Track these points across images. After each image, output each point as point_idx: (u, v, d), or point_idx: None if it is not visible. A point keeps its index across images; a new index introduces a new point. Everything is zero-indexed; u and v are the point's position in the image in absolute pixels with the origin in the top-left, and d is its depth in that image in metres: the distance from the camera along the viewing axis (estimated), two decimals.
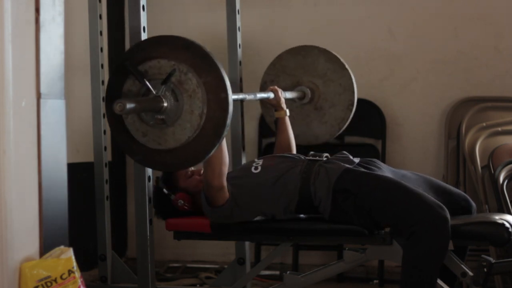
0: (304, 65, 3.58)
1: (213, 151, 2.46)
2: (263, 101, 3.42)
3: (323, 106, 3.57)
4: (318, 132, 3.57)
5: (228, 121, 2.42)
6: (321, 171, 2.85)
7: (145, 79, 2.44)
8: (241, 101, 3.47)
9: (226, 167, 2.78)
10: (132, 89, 2.48)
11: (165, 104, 2.42)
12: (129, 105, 2.32)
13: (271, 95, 3.23)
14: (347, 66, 3.56)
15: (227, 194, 2.82)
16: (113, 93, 2.50)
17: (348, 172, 2.82)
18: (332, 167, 2.85)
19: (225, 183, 2.81)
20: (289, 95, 3.43)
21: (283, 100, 3.27)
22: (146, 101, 2.43)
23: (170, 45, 2.47)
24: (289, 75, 3.57)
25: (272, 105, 3.30)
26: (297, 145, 3.32)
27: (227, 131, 2.44)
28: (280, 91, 3.26)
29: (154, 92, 2.43)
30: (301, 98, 3.55)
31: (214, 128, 2.42)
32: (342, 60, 3.58)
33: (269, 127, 3.68)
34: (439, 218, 2.63)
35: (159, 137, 2.47)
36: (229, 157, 2.82)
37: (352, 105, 3.54)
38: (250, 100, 3.16)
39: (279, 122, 3.28)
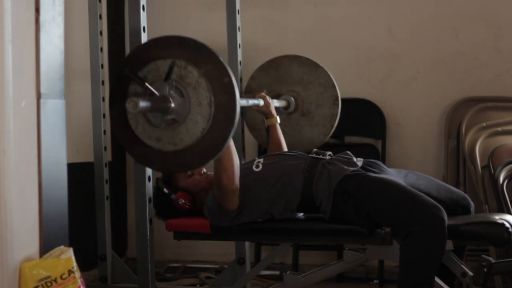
0: (279, 77, 3.60)
1: (230, 137, 2.43)
2: (250, 125, 3.47)
3: (309, 109, 3.57)
4: (312, 136, 3.57)
5: (237, 104, 2.40)
6: (324, 173, 2.84)
7: (146, 83, 2.43)
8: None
9: (238, 169, 2.78)
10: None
11: (172, 105, 2.42)
12: (143, 103, 2.32)
13: (260, 101, 3.24)
14: (320, 65, 3.57)
15: (237, 199, 2.83)
16: (118, 101, 2.49)
17: (350, 177, 2.82)
18: (334, 169, 2.84)
19: (239, 185, 2.80)
20: (276, 103, 3.45)
21: (272, 106, 3.28)
22: (156, 100, 2.42)
23: (163, 45, 2.47)
24: (268, 91, 3.56)
25: (262, 113, 3.30)
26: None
27: (238, 114, 2.42)
28: (268, 97, 3.28)
29: (158, 94, 2.42)
30: (287, 107, 3.56)
31: (225, 114, 2.40)
32: (313, 60, 3.58)
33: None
34: (435, 219, 2.63)
35: (174, 137, 2.45)
36: None
37: (337, 99, 3.55)
38: (242, 106, 3.16)
39: (271, 129, 3.29)
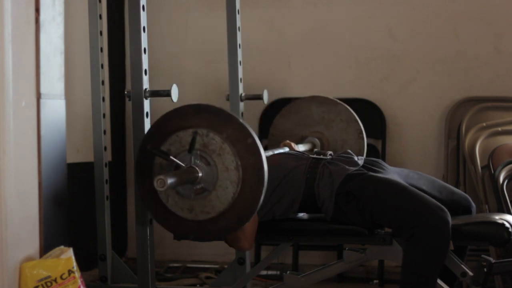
0: (299, 120, 3.60)
1: (262, 198, 2.41)
2: None
3: (335, 147, 3.56)
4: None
5: (264, 163, 2.39)
6: (325, 173, 2.84)
7: (171, 156, 2.42)
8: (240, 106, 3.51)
9: (256, 226, 2.77)
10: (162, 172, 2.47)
11: (200, 174, 2.41)
12: (170, 180, 2.29)
13: (286, 149, 3.23)
14: (339, 101, 3.58)
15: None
16: (146, 177, 2.48)
17: (352, 177, 2.82)
18: (336, 169, 2.84)
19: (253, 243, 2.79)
20: (302, 147, 3.44)
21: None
22: (182, 173, 2.40)
23: (180, 117, 2.46)
24: (291, 136, 3.57)
25: None
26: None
27: (267, 173, 2.41)
28: (293, 144, 3.29)
29: (184, 165, 2.41)
30: (312, 149, 3.54)
31: (254, 175, 2.39)
32: (331, 97, 3.59)
33: (269, 127, 3.68)
34: (439, 220, 2.63)
35: (205, 206, 2.44)
36: None
37: (361, 132, 3.55)
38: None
39: None
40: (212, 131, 2.41)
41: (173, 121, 2.47)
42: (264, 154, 2.40)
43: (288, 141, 3.32)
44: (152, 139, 2.49)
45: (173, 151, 2.44)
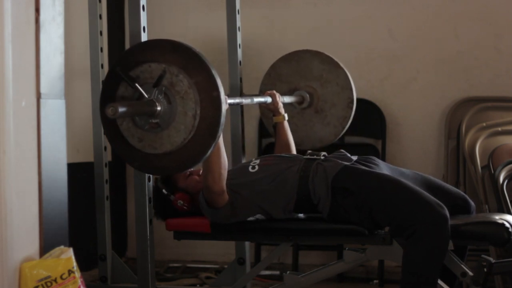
0: (299, 70, 3.59)
1: (209, 152, 2.46)
2: (262, 108, 3.44)
3: (323, 108, 3.57)
4: (322, 135, 3.57)
5: (222, 119, 2.42)
6: (319, 169, 2.85)
7: (137, 84, 2.44)
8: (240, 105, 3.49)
9: (225, 171, 2.79)
10: (125, 95, 2.48)
11: (159, 108, 2.42)
12: (121, 109, 2.32)
13: (268, 99, 3.23)
14: (341, 65, 3.56)
15: (226, 197, 2.82)
16: (107, 99, 2.50)
17: (346, 169, 2.83)
18: (330, 164, 2.86)
19: (225, 187, 2.81)
20: (287, 99, 3.43)
21: (281, 105, 3.28)
22: (138, 104, 2.42)
23: (159, 49, 2.47)
24: (285, 82, 3.57)
25: (270, 110, 3.30)
26: (302, 150, 3.32)
27: (221, 130, 2.44)
28: (277, 95, 3.27)
29: (146, 97, 2.43)
30: (300, 102, 3.55)
31: (208, 128, 2.42)
32: (335, 59, 3.57)
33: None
34: (439, 217, 2.63)
35: (155, 141, 2.47)
36: (228, 160, 2.82)
37: (352, 102, 3.55)
38: (247, 104, 3.15)
39: (278, 126, 3.29)
40: (183, 72, 2.42)
41: (149, 51, 2.48)
42: (224, 111, 2.42)
43: (274, 91, 3.31)
44: (123, 63, 2.50)
45: (141, 79, 2.46)
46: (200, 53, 2.44)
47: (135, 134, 2.49)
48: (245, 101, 3.09)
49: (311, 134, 3.58)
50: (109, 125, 2.53)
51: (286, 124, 3.30)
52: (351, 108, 3.55)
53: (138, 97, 2.44)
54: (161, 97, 2.43)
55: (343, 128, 3.56)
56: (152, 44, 2.50)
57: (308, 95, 3.55)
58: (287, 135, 3.29)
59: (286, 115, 3.30)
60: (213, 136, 2.42)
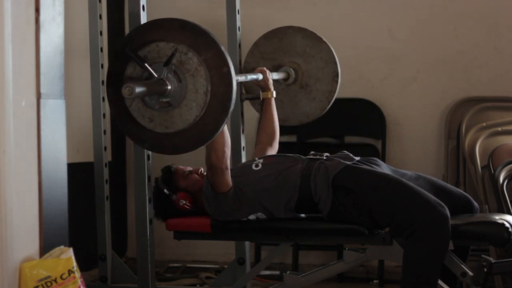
0: (282, 47, 3.58)
1: (221, 128, 2.47)
2: (246, 86, 3.47)
3: (308, 83, 3.57)
4: (308, 110, 3.57)
5: (234, 94, 2.43)
6: (321, 168, 2.86)
7: (146, 64, 2.44)
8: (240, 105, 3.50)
9: (229, 149, 2.81)
10: (134, 75, 2.49)
11: (169, 87, 2.44)
12: (138, 89, 2.33)
13: (259, 76, 3.26)
14: (324, 39, 3.56)
15: (230, 181, 2.84)
16: (115, 80, 2.51)
17: (348, 168, 2.83)
18: (332, 164, 2.87)
19: (229, 165, 2.82)
20: (275, 76, 3.45)
21: (271, 81, 3.31)
22: (152, 84, 2.43)
23: (166, 27, 2.49)
24: (269, 60, 3.56)
25: (260, 86, 3.32)
26: (289, 126, 3.30)
27: (233, 105, 2.44)
28: (268, 71, 3.30)
29: (156, 76, 2.43)
30: (286, 78, 3.56)
31: (220, 104, 2.43)
32: (318, 34, 3.56)
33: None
34: (439, 217, 2.63)
35: (166, 120, 2.48)
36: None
37: (337, 76, 3.55)
38: (243, 82, 3.17)
39: (265, 103, 3.32)
40: (192, 50, 2.43)
41: (157, 30, 2.49)
42: (235, 86, 2.43)
43: (264, 68, 3.31)
44: (130, 43, 2.51)
45: (149, 59, 2.46)
46: (208, 30, 2.45)
47: (145, 114, 2.50)
48: (240, 78, 3.10)
49: (297, 110, 3.58)
50: (118, 107, 2.54)
51: (273, 101, 3.34)
52: (336, 82, 3.55)
53: (147, 77, 2.46)
54: (171, 76, 2.44)
55: (329, 102, 3.55)
56: (159, 23, 2.51)
57: (293, 71, 3.56)
58: (272, 113, 3.32)
59: (274, 92, 3.33)
60: (225, 112, 2.44)
